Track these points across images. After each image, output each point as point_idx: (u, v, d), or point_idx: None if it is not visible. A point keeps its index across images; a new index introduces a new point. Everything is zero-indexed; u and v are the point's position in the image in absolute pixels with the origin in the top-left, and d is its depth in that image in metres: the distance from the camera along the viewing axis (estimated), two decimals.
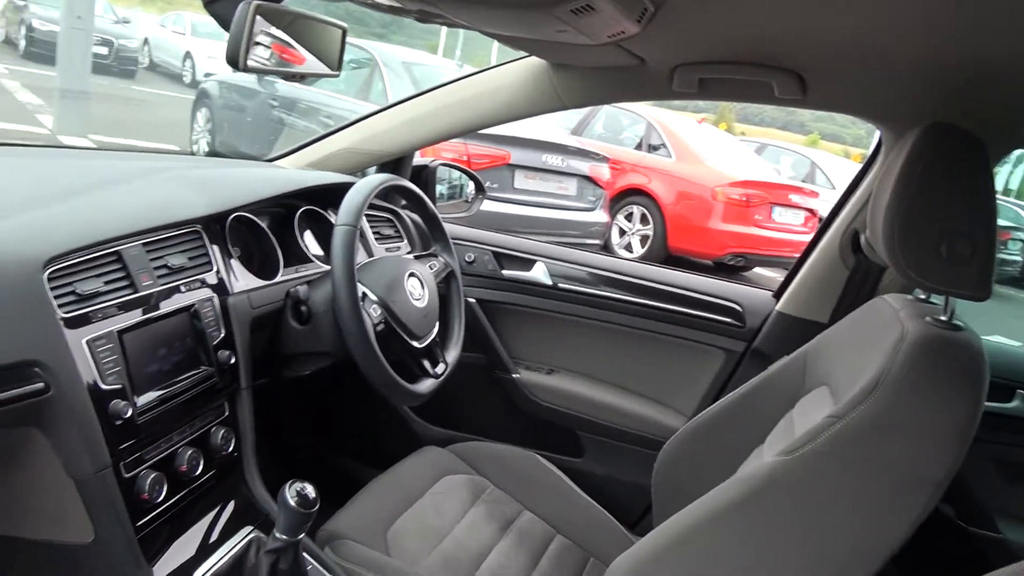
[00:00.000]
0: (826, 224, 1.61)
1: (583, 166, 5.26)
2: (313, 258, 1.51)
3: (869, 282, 1.53)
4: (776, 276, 7.65)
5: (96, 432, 0.96)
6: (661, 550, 0.99)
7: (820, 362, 1.20)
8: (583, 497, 1.58)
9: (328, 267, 1.50)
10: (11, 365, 0.86)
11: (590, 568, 1.47)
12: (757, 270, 7.51)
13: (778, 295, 1.67)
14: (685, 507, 0.98)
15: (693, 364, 1.71)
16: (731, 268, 6.69)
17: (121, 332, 1.02)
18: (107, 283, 1.02)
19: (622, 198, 6.77)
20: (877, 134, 1.50)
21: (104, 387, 0.97)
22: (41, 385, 0.89)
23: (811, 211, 6.99)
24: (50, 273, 0.94)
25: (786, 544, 0.91)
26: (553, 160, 5.03)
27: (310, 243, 1.55)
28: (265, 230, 1.40)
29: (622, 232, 6.80)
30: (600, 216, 5.49)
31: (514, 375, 1.82)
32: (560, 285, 1.79)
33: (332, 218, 1.60)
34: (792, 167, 10.13)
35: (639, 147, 7.04)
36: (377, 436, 1.94)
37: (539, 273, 1.80)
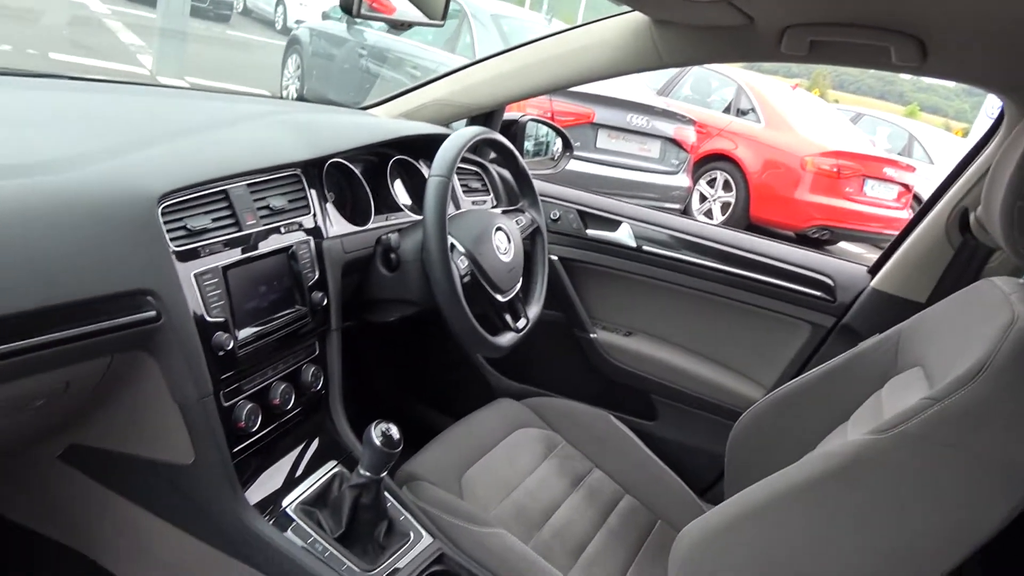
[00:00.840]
0: (932, 200, 1.53)
1: (668, 128, 5.13)
2: (403, 207, 1.53)
3: (975, 263, 1.46)
4: (862, 252, 7.37)
5: (200, 361, 1.01)
6: (735, 520, 0.99)
7: (916, 342, 1.16)
8: (654, 460, 1.59)
9: (417, 217, 1.53)
10: (127, 293, 0.92)
11: (657, 530, 1.48)
12: (842, 244, 7.24)
13: (873, 271, 1.61)
14: (759, 479, 0.97)
15: (777, 336, 1.68)
16: (815, 241, 6.46)
17: (226, 268, 1.06)
18: (214, 220, 1.07)
19: (706, 163, 6.60)
20: (984, 108, 1.41)
21: (209, 319, 1.02)
22: (153, 313, 0.94)
23: (906, 186, 6.66)
24: (163, 208, 0.99)
25: (864, 525, 0.89)
26: (638, 120, 4.92)
27: (400, 192, 1.57)
28: (359, 177, 1.43)
29: (703, 198, 6.64)
30: (682, 180, 5.37)
31: (592, 335, 1.82)
32: (644, 248, 1.77)
33: (423, 168, 1.62)
34: (888, 139, 9.64)
35: (727, 111, 6.82)
36: (454, 386, 1.98)
37: (624, 234, 1.78)
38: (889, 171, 6.50)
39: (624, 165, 4.94)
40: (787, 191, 6.20)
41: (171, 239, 0.98)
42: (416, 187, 1.61)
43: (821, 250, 1.89)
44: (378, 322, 1.47)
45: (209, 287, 1.03)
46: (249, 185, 1.15)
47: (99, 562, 1.23)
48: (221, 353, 1.04)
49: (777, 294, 1.65)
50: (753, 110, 6.67)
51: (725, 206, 6.53)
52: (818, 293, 1.62)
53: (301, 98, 6.89)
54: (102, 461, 1.12)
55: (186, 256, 1.00)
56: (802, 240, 6.27)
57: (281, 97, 7.11)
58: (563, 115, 4.56)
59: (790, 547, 0.94)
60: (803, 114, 6.70)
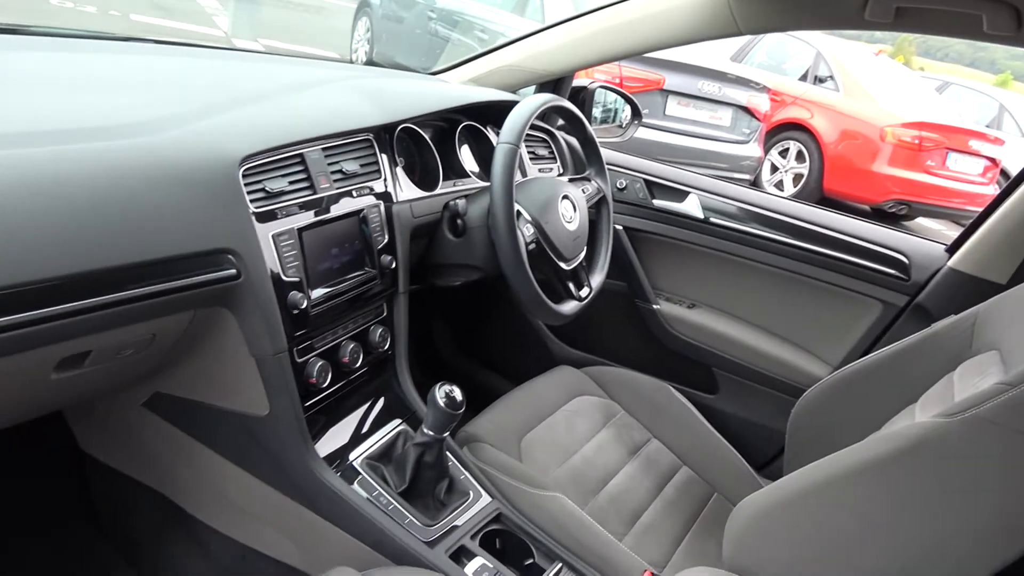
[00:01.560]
0: (1020, 178, 1.46)
1: (740, 95, 4.99)
2: (470, 173, 1.55)
3: None
4: (941, 228, 7.06)
5: (276, 318, 1.05)
6: (794, 495, 0.99)
7: (993, 325, 1.12)
8: (713, 433, 1.58)
9: (483, 183, 1.55)
10: (210, 251, 0.96)
11: (714, 502, 1.49)
12: (920, 220, 6.95)
13: (952, 249, 1.55)
14: (820, 457, 0.96)
15: (846, 313, 1.64)
16: (891, 216, 6.23)
17: (301, 230, 1.10)
18: (291, 183, 1.10)
19: (778, 132, 6.40)
20: None
21: (285, 278, 1.07)
22: (234, 271, 0.99)
23: (993, 160, 6.33)
24: (244, 170, 1.02)
25: (926, 509, 0.88)
26: (709, 87, 4.80)
27: (467, 158, 1.59)
28: (428, 142, 1.45)
29: (774, 169, 6.46)
30: (753, 150, 5.23)
31: (654, 306, 1.82)
32: (712, 220, 1.74)
33: (491, 135, 1.63)
34: (977, 109, 9.13)
35: (804, 78, 6.57)
36: (515, 352, 2.01)
37: (691, 205, 1.76)
38: (975, 144, 6.18)
39: (693, 133, 4.84)
40: (864, 163, 5.97)
41: (251, 200, 1.02)
42: (483, 153, 1.62)
43: (897, 226, 1.82)
44: (443, 286, 1.50)
45: (285, 248, 1.07)
46: (324, 149, 1.18)
47: (178, 503, 1.31)
48: (295, 311, 1.08)
49: (848, 270, 1.61)
50: (831, 77, 6.41)
51: (797, 177, 6.34)
52: (891, 271, 1.58)
53: (370, 62, 6.94)
54: (184, 410, 1.19)
55: (264, 217, 1.04)
56: (878, 215, 6.05)
57: (351, 61, 7.18)
58: (632, 81, 4.48)
59: (849, 526, 0.93)
60: (885, 82, 6.41)
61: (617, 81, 4.35)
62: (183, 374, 1.15)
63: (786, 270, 1.68)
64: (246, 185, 1.02)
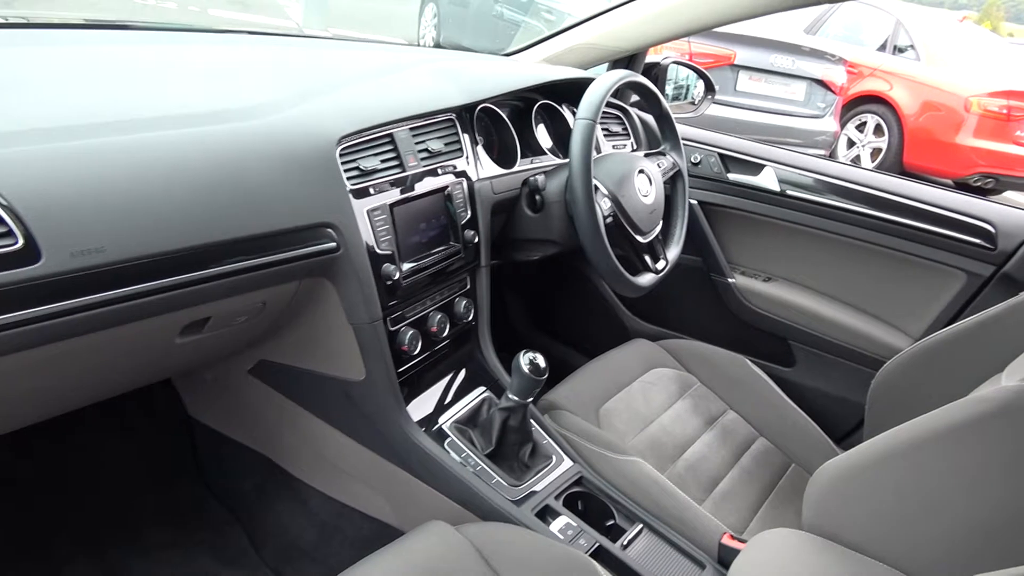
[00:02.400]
0: None
1: (815, 68, 4.86)
2: (546, 151, 1.59)
3: None
4: None
5: (372, 288, 1.12)
6: (876, 459, 1.00)
7: None
8: (791, 405, 1.59)
9: (559, 160, 1.59)
10: (313, 225, 1.03)
11: (791, 473, 1.50)
12: (1008, 194, 6.63)
13: None
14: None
15: (927, 284, 1.62)
16: (976, 190, 5.96)
17: (392, 205, 1.17)
18: (382, 161, 1.17)
19: (855, 106, 6.20)
20: None
21: (379, 251, 1.13)
22: (334, 244, 1.06)
23: None
24: (340, 150, 1.09)
25: (1011, 473, 0.88)
26: (782, 61, 4.69)
27: (542, 136, 1.63)
28: (506, 121, 1.49)
29: (851, 143, 6.26)
30: (829, 124, 5.09)
31: (730, 279, 1.82)
32: (788, 192, 1.74)
33: (566, 112, 1.66)
34: None
35: (882, 48, 6.33)
36: (588, 326, 2.04)
37: (767, 179, 1.75)
38: None
39: (766, 109, 4.74)
40: (947, 135, 5.73)
41: (347, 178, 1.09)
42: (559, 131, 1.66)
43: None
44: (521, 261, 1.55)
45: (379, 222, 1.13)
46: (411, 129, 1.24)
47: (280, 463, 1.40)
48: (389, 282, 1.15)
49: (930, 240, 1.59)
50: (912, 47, 6.16)
51: (875, 152, 6.14)
52: (977, 240, 1.54)
53: (438, 47, 7.02)
54: (286, 376, 1.28)
55: (359, 194, 1.11)
56: (962, 189, 5.80)
57: (418, 46, 7.27)
58: (702, 57, 4.42)
59: (932, 489, 0.94)
60: (970, 50, 6.12)
61: (686, 57, 4.29)
62: (286, 342, 1.23)
63: (865, 241, 1.66)
64: (342, 164, 1.09)
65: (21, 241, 0.74)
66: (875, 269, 1.68)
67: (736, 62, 4.55)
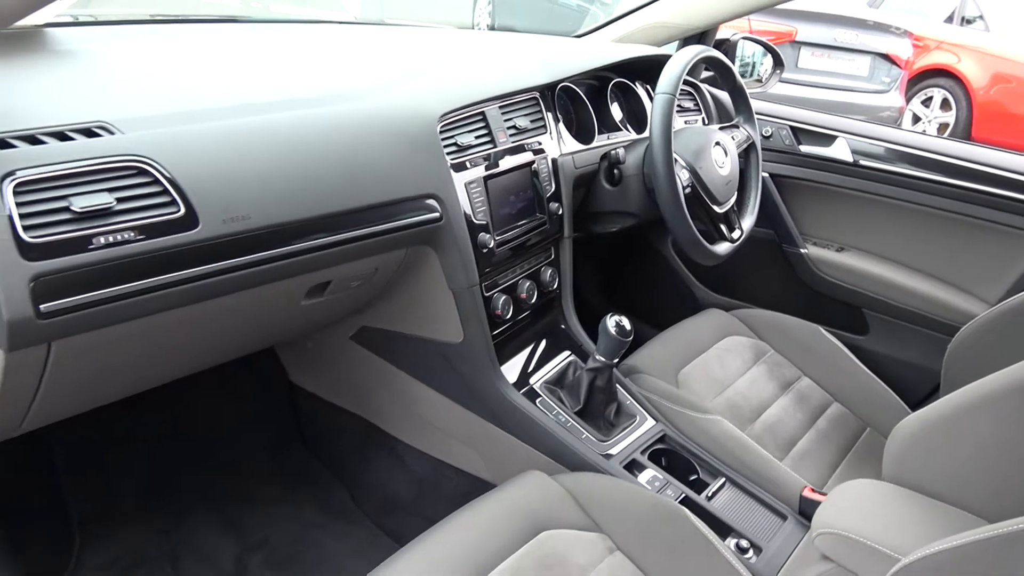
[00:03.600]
0: None
1: (879, 42, 4.77)
2: (621, 127, 1.64)
3: None
4: None
5: (470, 256, 1.21)
6: (958, 411, 1.03)
7: None
8: (864, 371, 1.62)
9: (634, 136, 1.64)
10: (420, 196, 1.12)
11: (867, 436, 1.53)
12: None
13: None
14: None
15: (1003, 249, 1.62)
16: None
17: (486, 178, 1.25)
18: (476, 137, 1.25)
19: (920, 80, 6.04)
20: None
21: (476, 221, 1.22)
22: (438, 214, 1.14)
23: None
24: (441, 127, 1.18)
25: None
26: (845, 36, 4.62)
27: (616, 113, 1.68)
28: (584, 99, 1.56)
29: (916, 119, 6.11)
30: (894, 99, 4.99)
31: (802, 250, 1.86)
32: (861, 163, 1.76)
33: (639, 89, 1.72)
34: None
35: (949, 20, 6.15)
36: (660, 299, 2.10)
37: (840, 149, 1.78)
38: None
39: (828, 85, 4.67)
40: (1019, 108, 5.55)
41: (447, 153, 1.18)
42: (632, 108, 1.72)
43: None
44: (600, 233, 1.62)
45: (475, 194, 1.22)
46: (501, 107, 1.32)
47: (378, 424, 1.51)
48: (484, 250, 1.23)
49: (1006, 206, 1.59)
50: (980, 17, 5.98)
51: (942, 127, 5.98)
52: None
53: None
54: (386, 340, 1.37)
55: (458, 167, 1.20)
56: None
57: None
58: (762, 35, 4.36)
59: (1012, 439, 0.98)
60: None
61: None
62: (389, 308, 1.33)
63: (939, 209, 1.68)
64: (442, 140, 1.18)
65: (183, 210, 0.84)
66: (949, 236, 1.70)
67: (797, 38, 4.50)
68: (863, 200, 1.78)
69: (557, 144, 1.44)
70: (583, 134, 1.54)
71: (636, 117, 1.71)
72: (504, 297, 1.30)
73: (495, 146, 1.29)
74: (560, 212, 1.43)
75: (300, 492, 1.53)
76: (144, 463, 1.48)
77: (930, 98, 6.04)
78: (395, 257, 1.16)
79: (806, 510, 1.24)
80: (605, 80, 1.66)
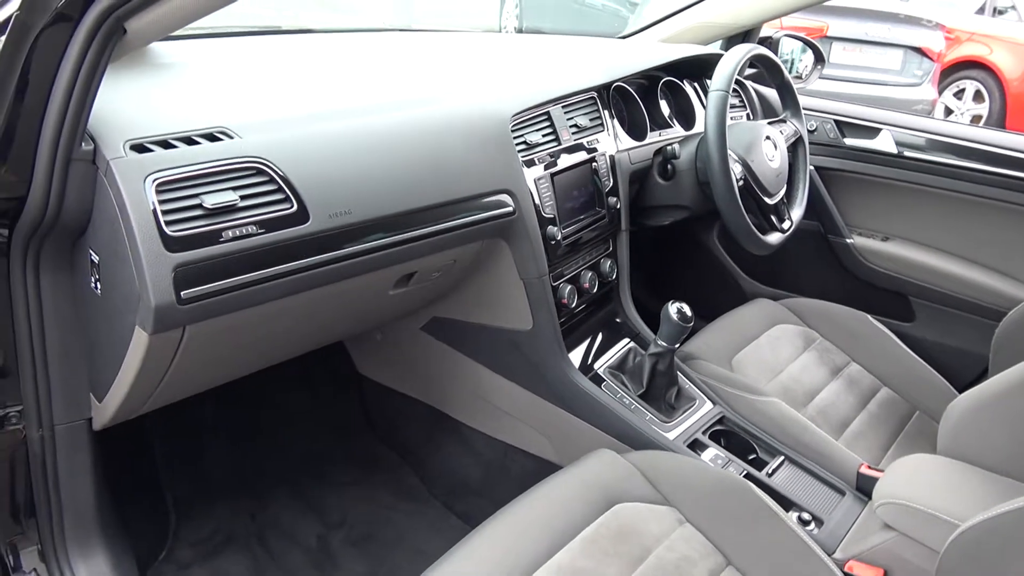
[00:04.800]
0: None
1: (911, 35, 4.77)
2: (670, 124, 1.71)
3: None
4: None
5: (540, 247, 1.29)
6: (1008, 388, 1.08)
7: None
8: (912, 356, 1.66)
9: (684, 132, 1.71)
10: (496, 191, 1.20)
11: (916, 419, 1.58)
12: None
13: None
14: None
15: None
16: None
17: (552, 175, 1.32)
18: (543, 136, 1.33)
19: (952, 72, 6.01)
20: None
21: (544, 215, 1.29)
22: (511, 208, 1.22)
23: None
24: (512, 126, 1.25)
25: None
26: (877, 30, 4.64)
27: (665, 110, 1.75)
28: (636, 97, 1.63)
29: (948, 111, 6.09)
30: (926, 92, 4.99)
31: (848, 240, 1.91)
32: (905, 154, 1.80)
33: (687, 87, 1.78)
34: None
35: (981, 11, 6.12)
36: (707, 291, 2.15)
37: (884, 141, 1.83)
38: None
39: (860, 79, 4.69)
40: None
41: (518, 151, 1.25)
42: (680, 105, 1.78)
43: None
44: (652, 226, 1.68)
45: (543, 189, 1.29)
46: (563, 107, 1.40)
47: (447, 412, 1.58)
48: (552, 242, 1.31)
49: None
50: (1013, 7, 5.95)
51: (975, 119, 5.95)
52: None
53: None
54: (457, 330, 1.45)
55: (527, 164, 1.27)
56: None
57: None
58: (794, 31, 4.40)
59: None
60: None
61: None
62: (460, 299, 1.41)
63: (983, 197, 1.72)
64: (513, 138, 1.25)
65: (296, 206, 0.93)
66: (994, 223, 1.74)
67: (829, 34, 4.52)
68: (908, 190, 1.82)
69: (614, 141, 1.51)
70: (636, 131, 1.61)
71: (684, 114, 1.78)
72: (569, 287, 1.38)
73: (559, 144, 1.36)
74: (618, 206, 1.50)
75: (372, 477, 1.61)
76: (228, 450, 1.57)
77: (962, 90, 6.02)
78: (472, 249, 1.24)
79: (863, 486, 1.29)
80: (654, 79, 1.72)
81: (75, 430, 1.05)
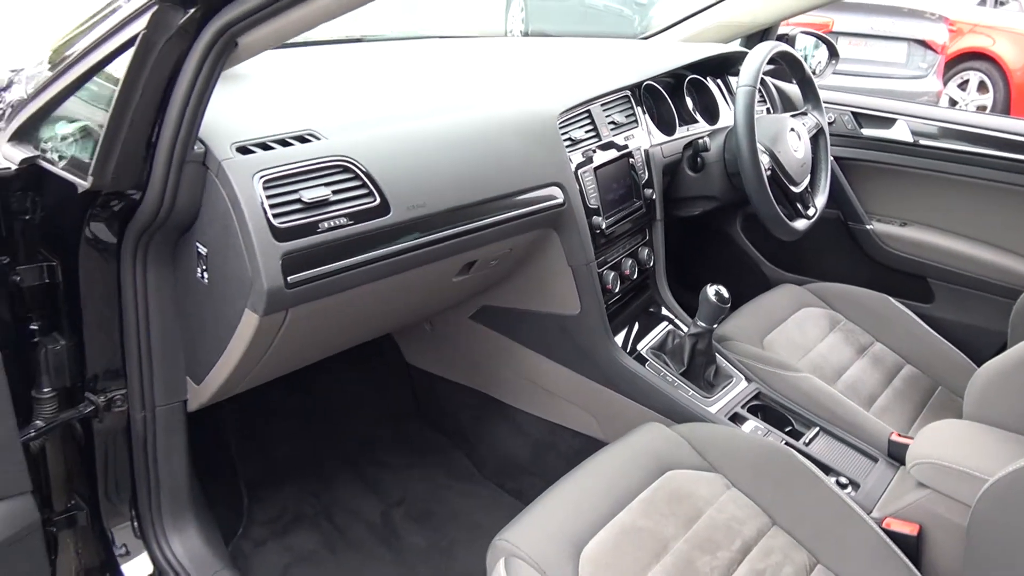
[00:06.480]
0: None
1: (915, 29, 4.86)
2: (697, 119, 1.80)
3: None
4: None
5: (586, 236, 1.38)
6: None
7: None
8: (934, 335, 1.74)
9: (710, 127, 1.80)
10: (548, 184, 1.30)
11: (939, 394, 1.66)
12: None
13: None
14: None
15: None
16: None
17: (596, 168, 1.42)
18: (585, 132, 1.42)
19: (956, 64, 6.09)
20: None
21: (590, 206, 1.39)
22: (561, 200, 1.32)
23: None
24: (559, 124, 1.35)
25: None
26: (881, 24, 4.73)
27: (691, 106, 1.84)
28: (664, 95, 1.72)
29: (953, 103, 6.16)
30: (931, 84, 5.07)
31: (868, 226, 1.99)
32: (921, 142, 1.89)
33: (710, 84, 1.88)
34: None
35: (983, 3, 6.20)
36: (731, 279, 2.23)
37: (900, 131, 1.92)
38: None
39: (866, 73, 4.78)
40: None
41: (566, 146, 1.35)
42: (704, 101, 1.87)
43: None
44: (683, 216, 1.77)
45: (588, 182, 1.39)
46: (602, 105, 1.49)
47: (496, 396, 1.68)
48: (597, 231, 1.40)
49: None
50: None
51: (980, 110, 6.02)
52: None
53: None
54: (506, 317, 1.55)
55: (573, 159, 1.36)
56: None
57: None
58: (799, 26, 4.50)
59: None
60: None
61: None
62: (510, 288, 1.50)
63: (996, 181, 1.80)
64: (560, 134, 1.35)
65: (378, 200, 1.02)
66: (1008, 206, 1.82)
67: (834, 29, 4.61)
68: (924, 177, 1.91)
69: (647, 136, 1.61)
70: (665, 127, 1.70)
71: (708, 109, 1.87)
72: (612, 273, 1.47)
73: (600, 139, 1.46)
74: (653, 197, 1.59)
75: (426, 459, 1.71)
76: (293, 435, 1.67)
77: (966, 81, 6.09)
78: (527, 238, 1.33)
79: (895, 452, 1.38)
80: (681, 77, 1.81)
81: (172, 411, 1.15)
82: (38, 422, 1.06)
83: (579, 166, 1.38)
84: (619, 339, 1.51)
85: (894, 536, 1.11)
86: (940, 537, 1.13)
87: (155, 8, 0.83)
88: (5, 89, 1.18)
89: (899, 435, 1.41)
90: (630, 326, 1.57)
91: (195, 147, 0.93)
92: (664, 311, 1.64)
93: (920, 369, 1.71)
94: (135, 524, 1.21)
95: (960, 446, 1.20)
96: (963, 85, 6.12)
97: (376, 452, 1.70)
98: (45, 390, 1.07)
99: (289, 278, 0.93)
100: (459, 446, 1.75)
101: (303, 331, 1.08)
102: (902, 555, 1.05)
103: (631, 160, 1.54)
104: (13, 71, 1.22)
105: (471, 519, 1.55)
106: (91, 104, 0.96)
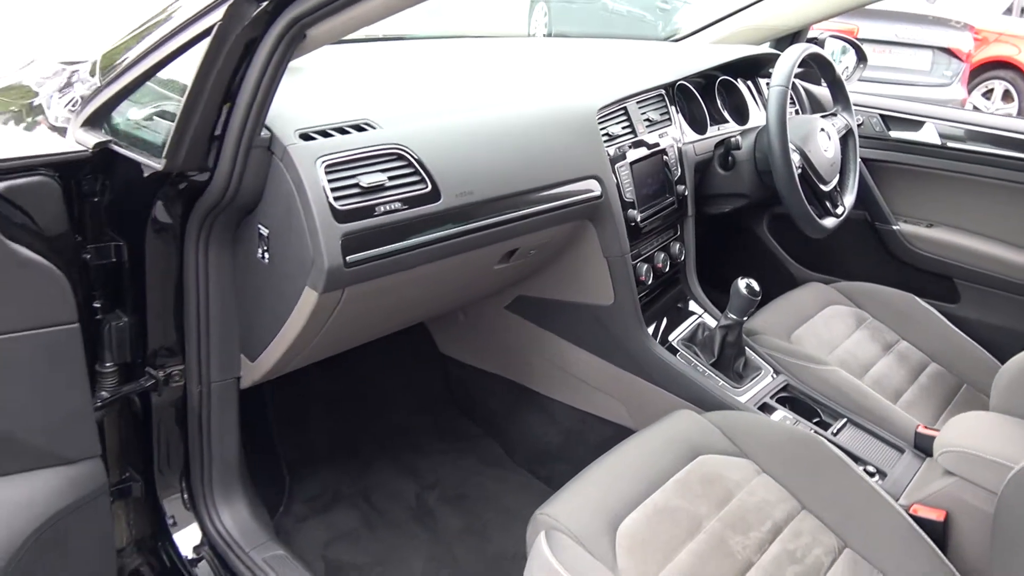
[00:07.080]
0: None
1: (940, 37, 4.87)
2: (727, 118, 1.84)
3: None
4: None
5: (622, 228, 1.42)
6: None
7: None
8: (959, 334, 1.77)
9: (739, 126, 1.84)
10: (585, 176, 1.34)
11: (964, 391, 1.69)
12: None
13: None
14: None
15: None
16: None
17: (632, 163, 1.46)
18: (622, 128, 1.47)
19: (980, 72, 6.08)
20: None
21: (625, 199, 1.43)
22: (599, 193, 1.36)
23: None
24: (598, 119, 1.39)
25: None
26: (906, 32, 4.74)
27: (722, 106, 1.88)
28: (695, 94, 1.76)
29: (976, 111, 6.15)
30: (955, 92, 5.07)
31: (894, 227, 2.02)
32: (949, 145, 1.92)
33: (740, 85, 1.92)
34: None
35: (1009, 12, 6.19)
36: (758, 277, 2.27)
37: (928, 133, 1.94)
38: None
39: (891, 80, 4.79)
40: None
41: (603, 140, 1.39)
42: (734, 102, 1.91)
43: None
44: (713, 213, 1.81)
45: (624, 176, 1.43)
46: (637, 103, 1.54)
47: (528, 385, 1.72)
48: (632, 224, 1.45)
49: None
50: None
51: None
52: None
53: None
54: (541, 308, 1.59)
55: (610, 153, 1.41)
56: None
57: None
58: (827, 31, 4.52)
59: None
60: None
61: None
62: (546, 278, 1.55)
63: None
64: (599, 129, 1.40)
65: (430, 187, 1.07)
66: None
67: (859, 36, 4.63)
68: (951, 179, 1.93)
69: (680, 134, 1.65)
70: (697, 125, 1.74)
71: (738, 109, 1.91)
72: (645, 266, 1.51)
73: (635, 135, 1.50)
74: (685, 193, 1.63)
75: (458, 445, 1.76)
76: (331, 419, 1.72)
77: (991, 90, 6.08)
78: (565, 229, 1.38)
79: (921, 444, 1.41)
80: (712, 77, 1.86)
81: (226, 387, 1.20)
82: (104, 393, 1.11)
83: (615, 160, 1.42)
84: (650, 330, 1.55)
85: (921, 522, 1.14)
86: (966, 523, 1.16)
87: (231, 1, 0.88)
88: (67, 87, 1.23)
89: (926, 427, 1.44)
90: (660, 319, 1.61)
91: (261, 133, 0.99)
92: (694, 305, 1.68)
93: (945, 367, 1.74)
94: (185, 496, 1.26)
95: (987, 436, 1.23)
96: (988, 94, 6.11)
97: (410, 437, 1.75)
98: (107, 364, 1.13)
99: (348, 258, 0.98)
100: (491, 433, 1.79)
101: (355, 312, 1.13)
102: (929, 540, 1.08)
103: (665, 157, 1.58)
104: (63, 64, 1.28)
105: (503, 503, 1.59)
106: (164, 91, 1.01)
